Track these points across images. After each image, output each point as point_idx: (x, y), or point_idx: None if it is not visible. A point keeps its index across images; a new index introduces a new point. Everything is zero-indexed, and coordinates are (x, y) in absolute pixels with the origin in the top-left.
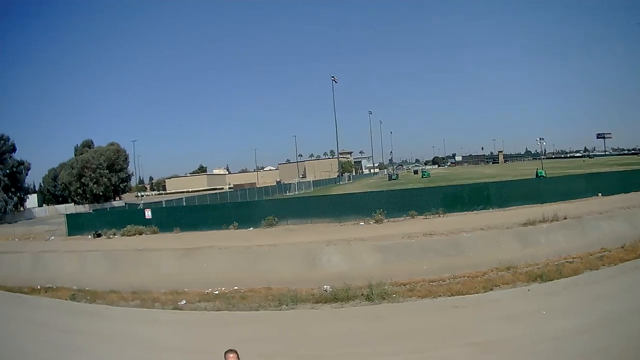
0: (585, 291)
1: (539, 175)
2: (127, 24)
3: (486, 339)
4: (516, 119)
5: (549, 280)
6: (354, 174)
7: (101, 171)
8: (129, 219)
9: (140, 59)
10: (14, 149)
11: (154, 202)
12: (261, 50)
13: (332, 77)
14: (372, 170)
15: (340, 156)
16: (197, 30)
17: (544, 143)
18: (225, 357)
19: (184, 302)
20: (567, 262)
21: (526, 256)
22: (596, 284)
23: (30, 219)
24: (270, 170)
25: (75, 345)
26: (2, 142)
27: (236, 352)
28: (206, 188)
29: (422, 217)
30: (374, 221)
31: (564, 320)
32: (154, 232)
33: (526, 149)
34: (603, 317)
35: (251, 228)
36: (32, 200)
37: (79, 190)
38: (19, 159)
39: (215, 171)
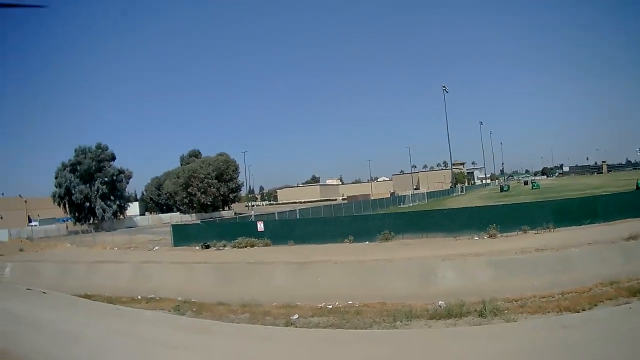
0: None
1: (639, 186)
2: (240, 28)
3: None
4: (619, 128)
5: None
6: (466, 184)
7: (209, 181)
8: (240, 231)
9: (256, 69)
10: (113, 158)
11: (265, 214)
12: (375, 58)
13: (443, 86)
14: (483, 181)
15: (453, 167)
16: (309, 36)
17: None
18: None
19: (296, 316)
20: None
21: (628, 271)
22: None
23: (131, 227)
24: (383, 180)
25: None
26: (100, 150)
27: None
28: (319, 199)
29: (534, 231)
30: (488, 236)
31: None
32: (267, 245)
33: (626, 158)
34: None
35: (367, 242)
36: (133, 209)
37: (185, 199)
38: (119, 167)
39: (328, 182)
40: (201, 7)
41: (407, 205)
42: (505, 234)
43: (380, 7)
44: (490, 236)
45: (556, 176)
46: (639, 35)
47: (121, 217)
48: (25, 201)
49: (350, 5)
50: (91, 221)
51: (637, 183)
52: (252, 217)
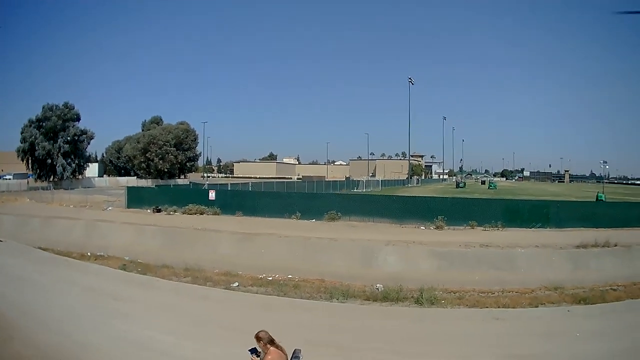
0: (623, 318)
1: (599, 198)
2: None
3: (522, 353)
4: (584, 140)
5: (591, 304)
6: (423, 177)
7: (168, 148)
8: (191, 198)
9: (218, 43)
10: (78, 118)
11: (219, 184)
12: (341, 45)
13: (409, 78)
14: (441, 176)
15: (411, 158)
16: (278, 20)
17: (607, 167)
18: (257, 337)
19: (236, 284)
20: (611, 289)
21: (574, 278)
22: (635, 312)
23: (88, 187)
24: (340, 165)
25: (122, 311)
26: (67, 110)
27: (266, 333)
28: (275, 176)
29: (482, 228)
30: (435, 227)
31: (597, 344)
32: (216, 214)
33: (591, 171)
34: (637, 345)
35: (314, 220)
36: (92, 170)
37: (142, 164)
38: (82, 128)
39: (285, 160)
40: None
41: (360, 190)
42: (452, 227)
43: None
44: (437, 227)
45: (516, 179)
46: (609, 47)
47: (80, 177)
48: None
49: None
50: (51, 179)
51: (597, 196)
52: (206, 185)
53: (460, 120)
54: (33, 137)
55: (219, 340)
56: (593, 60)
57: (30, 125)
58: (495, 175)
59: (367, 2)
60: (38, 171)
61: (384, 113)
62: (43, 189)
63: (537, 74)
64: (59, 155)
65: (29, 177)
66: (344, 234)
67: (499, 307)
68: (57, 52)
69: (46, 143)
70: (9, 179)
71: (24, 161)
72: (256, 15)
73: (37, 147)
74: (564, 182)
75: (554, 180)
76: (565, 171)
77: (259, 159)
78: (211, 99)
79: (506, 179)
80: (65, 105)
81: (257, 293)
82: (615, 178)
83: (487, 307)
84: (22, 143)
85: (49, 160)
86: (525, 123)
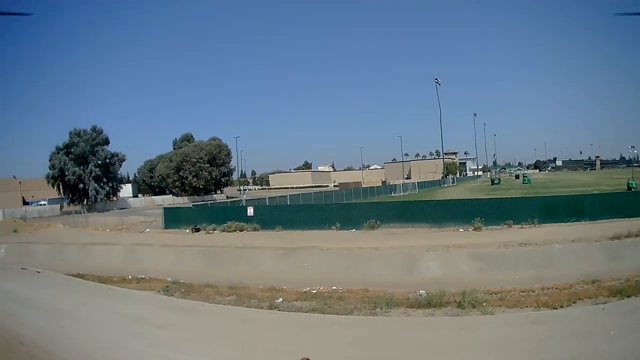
0: None
1: (630, 186)
2: (226, 20)
3: (558, 356)
4: (613, 124)
5: (626, 297)
6: (458, 175)
7: (202, 165)
8: (230, 215)
9: (244, 54)
10: (107, 142)
11: (256, 198)
12: (369, 48)
13: (436, 79)
14: (475, 173)
15: (445, 157)
16: (305, 26)
17: (635, 151)
18: None
19: (280, 299)
20: None
21: (610, 270)
22: None
23: (123, 208)
24: (375, 169)
25: (169, 340)
26: (95, 134)
27: None
28: (311, 185)
29: (519, 226)
30: (473, 228)
31: (633, 340)
32: (255, 230)
33: (620, 154)
34: None
35: (353, 230)
36: (126, 190)
37: (177, 182)
38: (112, 151)
39: (320, 168)
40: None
41: (397, 195)
42: (490, 227)
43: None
44: (475, 229)
45: (549, 170)
46: (635, 31)
47: (114, 198)
48: (20, 182)
49: None
50: (84, 202)
51: (627, 183)
52: (243, 201)
53: (491, 114)
54: (62, 163)
55: None
56: (615, 44)
57: (58, 152)
58: (528, 167)
59: (392, 5)
60: (70, 196)
61: (416, 113)
62: (76, 212)
63: (561, 59)
64: (91, 179)
65: (62, 201)
66: (384, 242)
67: (538, 306)
68: (82, 74)
69: (76, 168)
70: (44, 204)
71: (55, 187)
72: (283, 23)
73: (67, 173)
74: (595, 169)
75: (585, 168)
76: (596, 157)
77: (294, 169)
78: (241, 112)
79: (539, 170)
80: (93, 129)
81: (301, 308)
82: None
83: (527, 306)
84: (51, 170)
85: (81, 185)
86: (553, 111)
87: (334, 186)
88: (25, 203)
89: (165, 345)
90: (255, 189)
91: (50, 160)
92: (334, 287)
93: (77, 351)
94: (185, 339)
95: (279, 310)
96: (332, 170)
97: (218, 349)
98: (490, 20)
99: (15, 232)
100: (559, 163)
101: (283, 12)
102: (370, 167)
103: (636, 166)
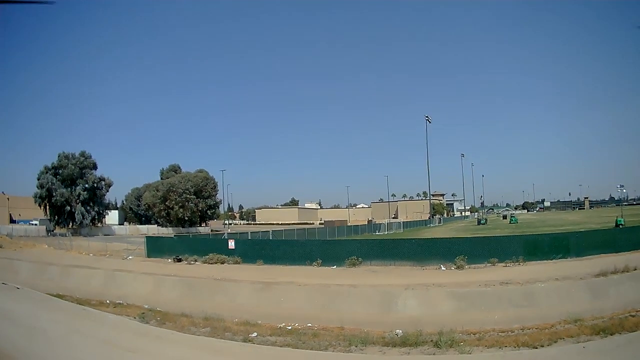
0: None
1: (618, 223)
2: (211, 51)
3: None
4: (601, 165)
5: (610, 334)
6: (445, 216)
7: (188, 196)
8: (212, 247)
9: (235, 90)
10: (95, 167)
11: (239, 232)
12: (358, 90)
13: (426, 117)
14: (463, 213)
15: (432, 198)
16: (294, 65)
17: (624, 190)
18: None
19: (255, 334)
20: (630, 315)
21: (594, 308)
22: None
23: (108, 235)
24: (362, 207)
25: None
26: (84, 158)
27: None
28: (297, 222)
29: (503, 264)
30: (455, 267)
31: None
32: (237, 262)
33: (610, 195)
34: None
35: (335, 266)
36: (112, 217)
37: (162, 212)
38: (100, 175)
39: (307, 205)
40: (190, 23)
41: (382, 233)
42: (473, 266)
43: (368, 38)
44: (458, 267)
45: (537, 211)
46: (628, 71)
47: (99, 224)
48: (8, 198)
49: (334, 35)
50: (70, 225)
51: (616, 221)
52: (225, 234)
53: (479, 156)
54: (50, 183)
55: None
56: (603, 85)
57: (47, 172)
58: (516, 208)
59: (382, 44)
60: (56, 217)
61: (404, 154)
62: (62, 235)
63: (552, 96)
64: (78, 202)
65: (50, 223)
66: (364, 280)
67: (517, 346)
68: (71, 99)
69: (64, 190)
70: (36, 224)
71: (41, 207)
72: (272, 61)
73: (54, 194)
74: (584, 208)
75: (574, 208)
76: (585, 198)
77: (281, 205)
78: (230, 147)
79: (527, 211)
80: (82, 154)
81: (275, 342)
82: (634, 199)
83: (505, 346)
84: (38, 189)
85: (68, 207)
86: (542, 154)
87: (320, 224)
88: (12, 221)
89: None
90: (241, 224)
91: (38, 179)
92: (309, 324)
93: None
94: None
95: (253, 343)
96: (319, 207)
97: None
98: (480, 59)
99: (0, 247)
100: (547, 204)
101: (274, 50)
102: (358, 206)
103: (626, 205)
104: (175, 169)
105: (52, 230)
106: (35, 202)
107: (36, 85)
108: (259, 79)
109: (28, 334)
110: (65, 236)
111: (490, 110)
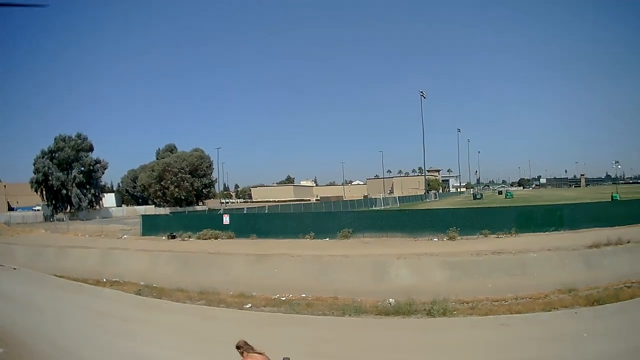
0: (633, 317)
1: (614, 198)
2: (212, 33)
3: (528, 356)
4: (598, 141)
5: (605, 304)
6: (441, 192)
7: (183, 175)
8: (206, 224)
9: (230, 68)
10: (91, 149)
11: (235, 209)
12: (352, 65)
13: (421, 92)
14: (458, 189)
15: (428, 174)
16: (290, 42)
17: (620, 167)
18: (237, 347)
19: (249, 305)
20: (625, 286)
21: (588, 279)
22: None
23: (106, 217)
24: (358, 184)
25: (130, 331)
26: (80, 140)
27: (244, 342)
28: (293, 199)
29: (495, 235)
30: (448, 238)
31: (604, 344)
32: (230, 237)
33: (606, 172)
34: None
35: (327, 239)
36: (109, 200)
37: (158, 192)
38: (95, 158)
39: (303, 183)
40: (188, 8)
41: (378, 208)
42: (465, 237)
43: (363, 14)
44: (450, 238)
45: (532, 187)
46: (621, 50)
47: (97, 207)
48: (5, 186)
49: (330, 13)
50: (67, 209)
51: (611, 196)
52: (221, 210)
53: (475, 132)
54: (46, 167)
55: (219, 356)
56: (602, 61)
57: (43, 157)
58: (512, 184)
59: (378, 21)
60: (53, 202)
61: (400, 130)
62: (59, 220)
63: (548, 74)
64: (74, 185)
65: (47, 208)
66: (356, 251)
67: (511, 314)
68: (67, 81)
69: (60, 174)
70: (38, 209)
71: (38, 192)
72: (269, 39)
73: (50, 178)
74: (580, 186)
75: (570, 185)
76: (581, 175)
77: (277, 183)
78: (225, 125)
79: (523, 188)
80: (78, 136)
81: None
82: (631, 178)
83: (499, 315)
84: (35, 174)
85: (64, 191)
86: (539, 130)
87: (316, 200)
88: (10, 209)
89: (126, 335)
90: (237, 202)
91: (34, 164)
92: (303, 295)
93: (43, 338)
94: (145, 331)
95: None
96: (315, 185)
97: (175, 341)
98: (477, 36)
99: None
100: (543, 181)
101: (271, 29)
102: (353, 183)
103: (622, 183)
104: (171, 149)
105: (51, 216)
106: (31, 188)
107: (33, 73)
108: (254, 57)
109: (27, 310)
110: (63, 221)
111: (487, 86)
